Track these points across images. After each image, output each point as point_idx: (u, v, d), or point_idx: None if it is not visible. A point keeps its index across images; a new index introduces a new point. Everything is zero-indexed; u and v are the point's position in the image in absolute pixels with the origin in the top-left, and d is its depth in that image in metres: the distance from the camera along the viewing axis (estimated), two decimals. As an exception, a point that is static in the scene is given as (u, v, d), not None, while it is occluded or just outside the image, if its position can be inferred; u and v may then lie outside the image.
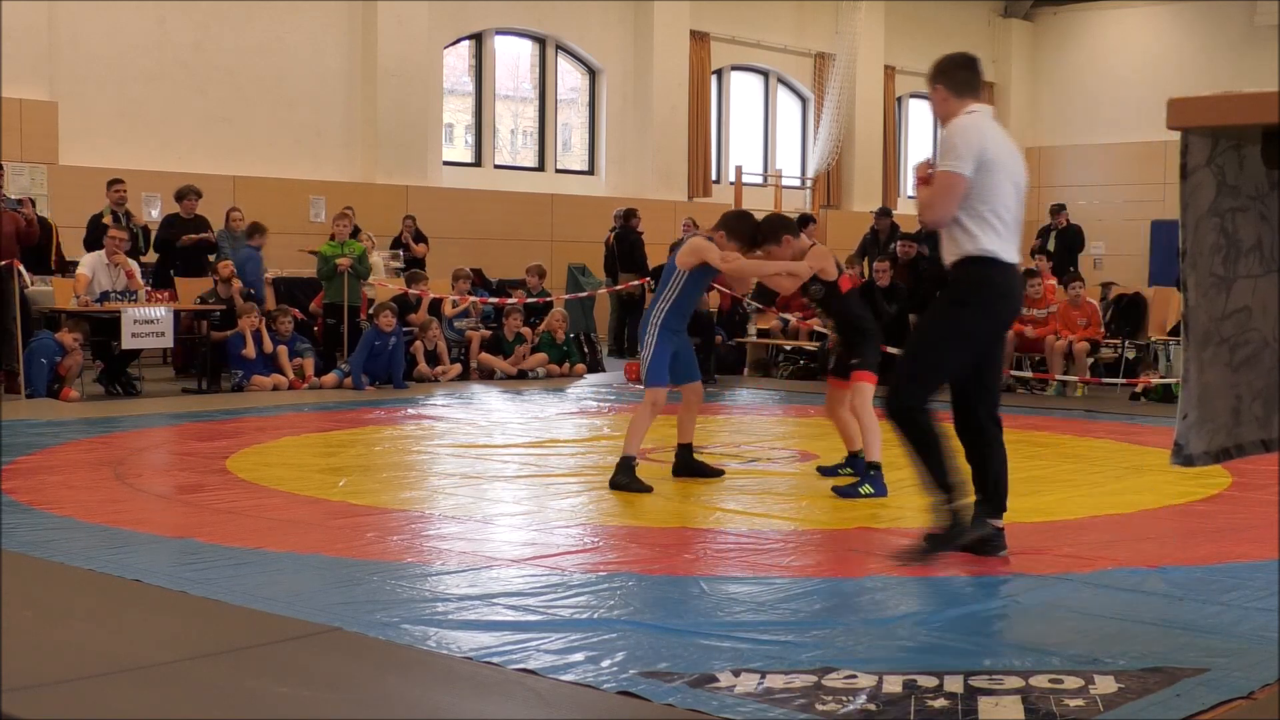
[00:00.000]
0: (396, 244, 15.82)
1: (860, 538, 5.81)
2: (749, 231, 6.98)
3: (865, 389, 6.88)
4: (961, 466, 5.16)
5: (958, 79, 5.27)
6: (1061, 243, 16.56)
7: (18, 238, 11.74)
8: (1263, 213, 2.97)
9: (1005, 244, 5.05)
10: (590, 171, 20.34)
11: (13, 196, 12.62)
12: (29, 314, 11.51)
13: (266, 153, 16.35)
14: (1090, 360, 12.90)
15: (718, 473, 7.39)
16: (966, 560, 5.29)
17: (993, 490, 5.24)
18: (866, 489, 6.75)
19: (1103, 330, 13.24)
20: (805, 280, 6.94)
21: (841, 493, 6.77)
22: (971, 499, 5.15)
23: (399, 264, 15.12)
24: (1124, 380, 12.67)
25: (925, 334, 5.30)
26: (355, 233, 13.77)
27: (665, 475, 7.37)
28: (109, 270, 11.68)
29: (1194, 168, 2.85)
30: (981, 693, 3.55)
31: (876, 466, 6.78)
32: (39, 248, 12.54)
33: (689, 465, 7.35)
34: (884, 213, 16.73)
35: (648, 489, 6.84)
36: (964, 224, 5.03)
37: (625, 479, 6.89)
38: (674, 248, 7.26)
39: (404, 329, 13.05)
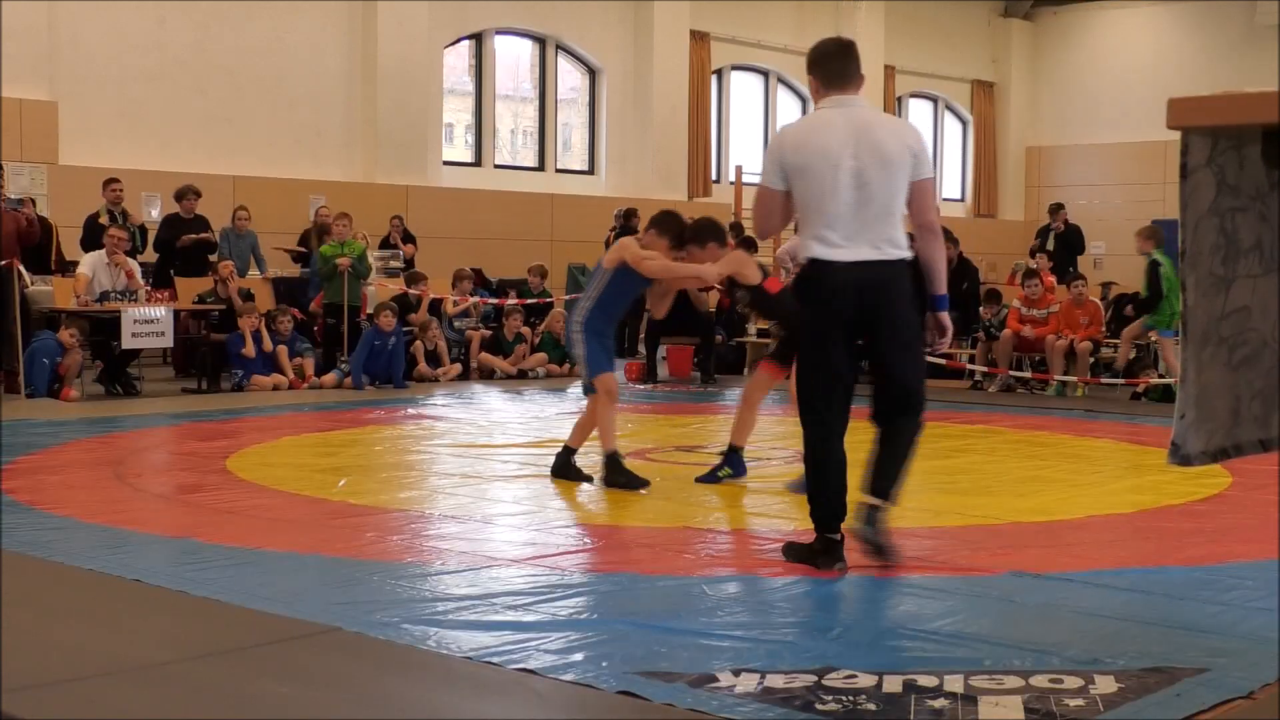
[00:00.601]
0: (385, 244, 15.71)
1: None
2: (676, 230, 6.91)
3: (762, 378, 6.97)
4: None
5: (827, 69, 5.09)
6: (1061, 242, 16.56)
7: (18, 237, 11.75)
8: (1263, 213, 2.97)
9: (832, 244, 4.87)
10: (590, 171, 20.34)
11: (13, 196, 12.63)
12: (29, 314, 11.51)
13: (266, 153, 16.35)
14: (1091, 360, 12.91)
15: (587, 478, 7.05)
16: (966, 560, 5.29)
17: (876, 466, 5.10)
18: (725, 471, 7.00)
19: (1104, 330, 13.24)
20: (710, 284, 6.96)
21: (704, 479, 7.03)
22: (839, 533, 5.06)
23: (398, 263, 15.10)
24: (1124, 380, 12.67)
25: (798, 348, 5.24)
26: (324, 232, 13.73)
27: (666, 475, 7.37)
28: (109, 270, 11.68)
29: (1194, 168, 2.84)
30: (981, 693, 3.55)
31: (736, 450, 7.03)
32: (39, 248, 12.56)
33: (567, 468, 7.12)
34: None
35: (645, 482, 6.84)
36: (799, 230, 5.02)
37: (619, 476, 6.87)
38: None
39: (404, 329, 13.06)
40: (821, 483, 5.07)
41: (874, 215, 4.88)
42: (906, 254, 4.98)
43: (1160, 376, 12.48)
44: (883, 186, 4.88)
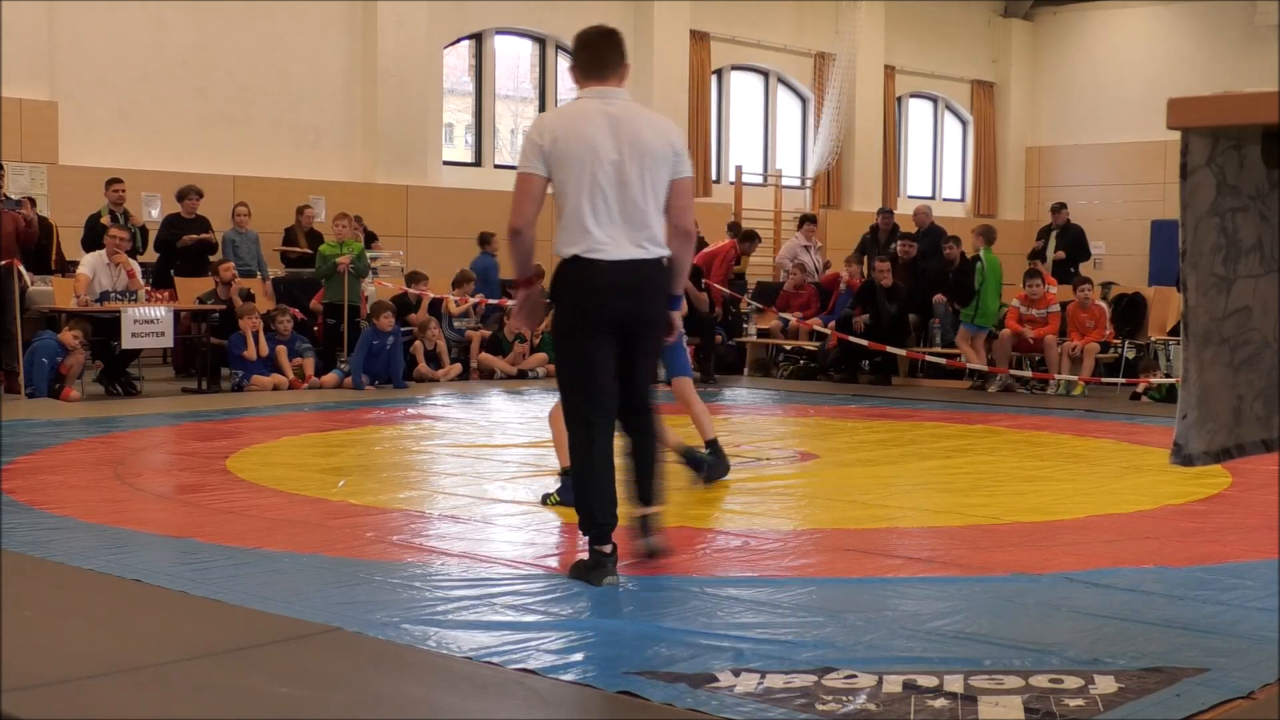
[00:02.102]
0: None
1: (859, 538, 5.82)
2: None
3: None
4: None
5: (584, 59, 4.92)
6: (1063, 242, 16.52)
7: (17, 237, 11.75)
8: (1263, 213, 2.97)
9: (592, 239, 4.77)
10: (590, 171, 20.32)
11: (13, 196, 12.63)
12: (24, 314, 11.48)
13: (266, 153, 16.35)
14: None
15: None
16: (966, 560, 5.30)
17: (633, 475, 5.03)
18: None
19: (1110, 331, 13.24)
20: None
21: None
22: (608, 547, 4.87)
23: (398, 263, 15.08)
24: (1124, 380, 12.67)
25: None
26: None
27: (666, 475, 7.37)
28: (110, 270, 11.68)
29: (1194, 168, 2.84)
30: (981, 693, 3.55)
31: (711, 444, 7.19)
32: (40, 248, 12.57)
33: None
34: (887, 213, 16.73)
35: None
36: (559, 223, 4.90)
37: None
38: None
39: (403, 329, 13.06)
40: (588, 492, 4.88)
41: (634, 211, 4.78)
42: (665, 251, 4.89)
43: (1164, 376, 12.48)
44: (643, 182, 4.78)
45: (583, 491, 4.90)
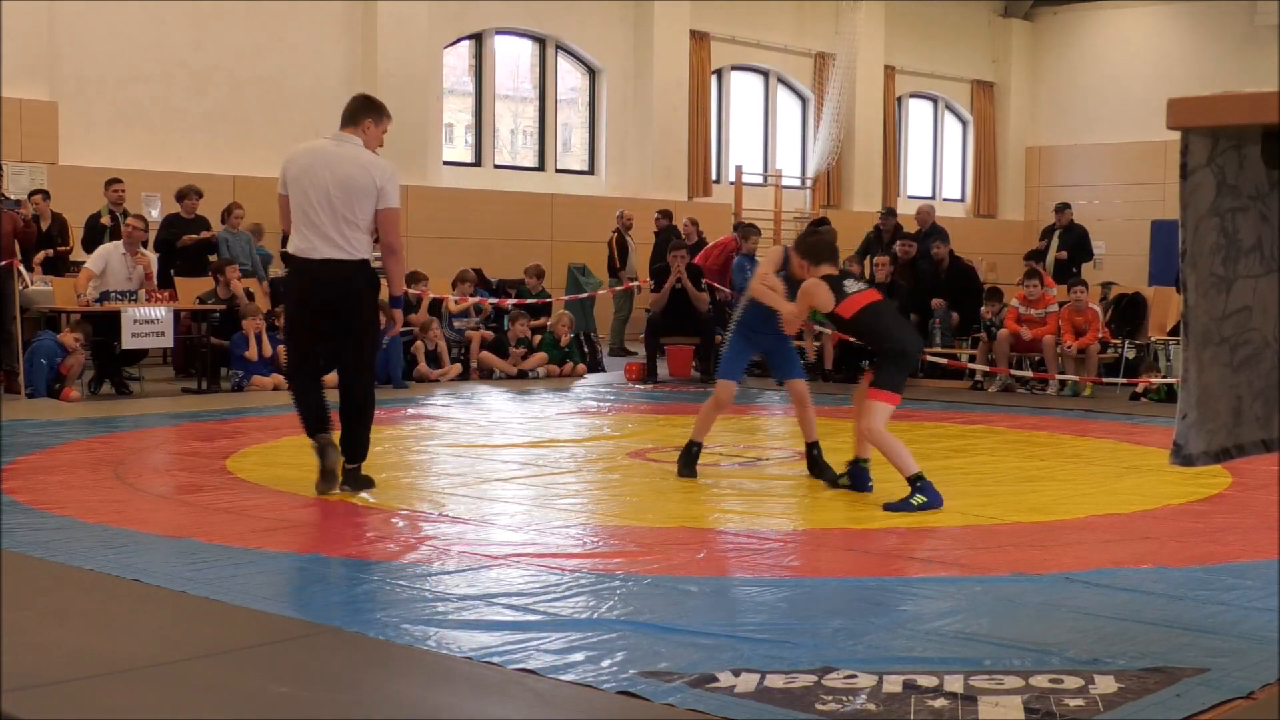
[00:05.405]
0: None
1: (860, 538, 5.82)
2: (801, 249, 7.02)
3: (874, 407, 6.51)
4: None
5: (344, 112, 6.75)
6: (1066, 243, 16.49)
7: (16, 237, 11.73)
8: (1263, 213, 2.96)
9: (307, 242, 6.48)
10: (590, 171, 20.35)
11: (12, 197, 12.63)
12: (25, 314, 11.47)
13: (266, 153, 16.32)
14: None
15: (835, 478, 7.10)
16: (966, 560, 5.30)
17: (344, 438, 6.70)
18: (919, 499, 6.37)
19: (1106, 331, 13.23)
20: (790, 318, 6.98)
21: (892, 507, 6.41)
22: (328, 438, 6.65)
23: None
24: (1124, 380, 12.67)
25: None
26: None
27: (667, 475, 7.37)
28: (126, 261, 11.58)
29: (1194, 168, 2.84)
30: (981, 693, 3.55)
31: (918, 478, 6.42)
32: (56, 250, 12.62)
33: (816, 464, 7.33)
34: (889, 213, 16.72)
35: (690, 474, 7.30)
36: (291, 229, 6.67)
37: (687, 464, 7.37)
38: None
39: (403, 329, 13.01)
40: (304, 418, 6.69)
41: (338, 225, 6.44)
42: (364, 255, 6.49)
43: (1162, 377, 12.48)
44: (346, 205, 6.45)
45: (304, 418, 6.70)
